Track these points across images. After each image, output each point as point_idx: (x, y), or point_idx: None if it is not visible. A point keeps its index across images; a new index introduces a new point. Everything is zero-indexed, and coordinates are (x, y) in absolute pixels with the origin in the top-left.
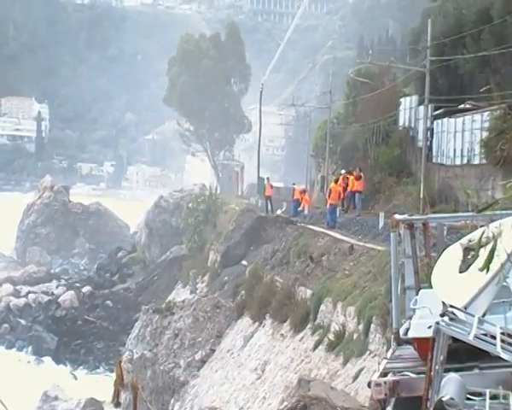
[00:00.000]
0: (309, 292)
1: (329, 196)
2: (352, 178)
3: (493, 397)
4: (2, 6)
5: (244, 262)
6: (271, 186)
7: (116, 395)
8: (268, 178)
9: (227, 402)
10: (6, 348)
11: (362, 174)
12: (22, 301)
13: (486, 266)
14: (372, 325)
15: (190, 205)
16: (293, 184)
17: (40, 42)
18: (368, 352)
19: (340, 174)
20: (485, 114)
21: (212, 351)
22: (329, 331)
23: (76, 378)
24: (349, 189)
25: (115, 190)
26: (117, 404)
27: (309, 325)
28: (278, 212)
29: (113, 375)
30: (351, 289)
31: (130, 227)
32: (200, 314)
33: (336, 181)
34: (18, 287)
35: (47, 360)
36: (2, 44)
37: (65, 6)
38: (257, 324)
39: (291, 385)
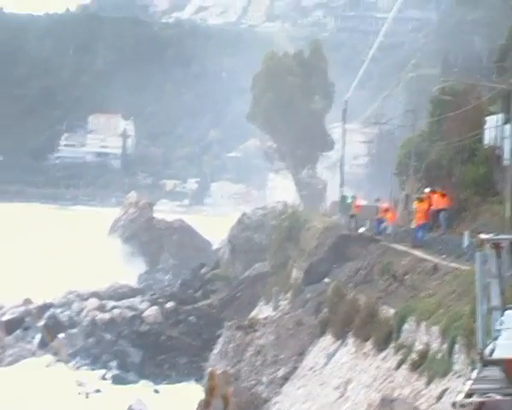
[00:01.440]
0: (392, 311)
1: (415, 216)
2: (436, 196)
3: None
4: (91, 25)
5: (327, 280)
6: (358, 204)
7: (207, 405)
8: (354, 196)
9: None
10: (91, 362)
11: (446, 192)
12: (107, 315)
13: None
14: (456, 345)
15: (273, 222)
16: (377, 200)
17: (127, 60)
18: (452, 372)
19: (424, 193)
20: None
21: (295, 368)
22: (413, 351)
23: (158, 392)
24: (433, 207)
25: (198, 207)
26: None
27: (392, 344)
28: (361, 230)
29: (197, 389)
30: (435, 308)
31: (214, 244)
32: (283, 331)
33: (421, 200)
34: (103, 302)
35: (126, 375)
36: (91, 62)
37: (151, 25)
38: (339, 341)
39: (374, 404)
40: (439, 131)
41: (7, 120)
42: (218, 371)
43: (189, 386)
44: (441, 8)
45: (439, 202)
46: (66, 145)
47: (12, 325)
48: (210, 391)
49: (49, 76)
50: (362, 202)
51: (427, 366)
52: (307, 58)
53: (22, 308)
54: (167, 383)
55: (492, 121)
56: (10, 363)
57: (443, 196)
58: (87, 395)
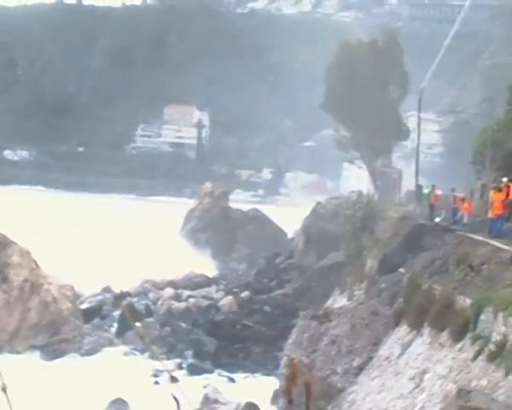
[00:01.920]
0: (468, 301)
1: (492, 206)
2: None
3: None
4: (166, 17)
5: (402, 270)
6: (437, 194)
7: (289, 392)
8: (434, 186)
9: None
10: (167, 351)
11: None
12: (183, 304)
13: None
14: None
15: (348, 212)
16: (453, 190)
17: (201, 51)
18: None
19: (501, 182)
20: None
21: (370, 358)
22: (490, 341)
23: (234, 381)
24: (511, 197)
25: (273, 197)
26: (289, 401)
27: (468, 335)
28: (437, 219)
29: (271, 379)
30: None
31: (288, 233)
32: (358, 321)
33: (498, 190)
34: (179, 291)
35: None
36: (166, 54)
37: (226, 15)
38: (415, 332)
39: (450, 395)
40: None
41: (84, 112)
42: (296, 358)
43: (263, 376)
44: None
45: None
46: (142, 136)
47: (90, 314)
48: (290, 379)
49: (126, 68)
50: (438, 191)
51: (505, 357)
52: (382, 47)
53: (100, 297)
54: (242, 373)
55: None
56: (88, 351)
57: None
58: (162, 383)
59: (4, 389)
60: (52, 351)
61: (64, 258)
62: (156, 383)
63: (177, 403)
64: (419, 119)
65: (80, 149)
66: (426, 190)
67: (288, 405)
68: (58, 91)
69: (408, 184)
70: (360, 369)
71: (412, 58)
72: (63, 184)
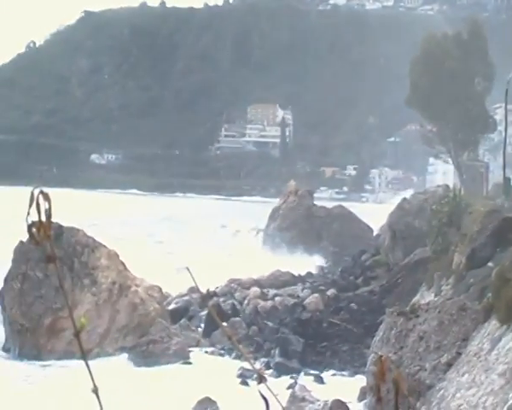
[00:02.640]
0: None
1: None
2: None
3: None
4: (247, 17)
5: (490, 264)
6: None
7: (377, 390)
8: None
9: (475, 407)
10: (254, 350)
11: None
12: (269, 303)
13: None
14: None
15: (434, 207)
16: None
17: (284, 50)
18: None
19: None
20: None
21: (459, 354)
22: None
23: (322, 381)
24: None
25: (358, 194)
26: (378, 399)
27: None
28: None
29: (359, 377)
30: None
31: (374, 230)
32: (446, 317)
33: None
34: (265, 290)
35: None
36: (248, 54)
37: (307, 13)
38: (505, 327)
39: None
40: None
41: (168, 114)
42: (384, 355)
43: (351, 373)
44: None
45: None
46: (226, 136)
47: (177, 315)
48: (379, 376)
49: (209, 68)
50: None
51: None
52: (467, 39)
53: (187, 297)
54: (329, 371)
55: None
56: (176, 352)
57: None
58: (250, 382)
59: (96, 391)
60: (140, 352)
61: (149, 259)
62: (244, 382)
63: (266, 402)
64: (506, 110)
65: (165, 151)
66: None
67: (376, 402)
68: (143, 95)
69: (495, 177)
70: (449, 365)
71: (498, 49)
72: (148, 187)
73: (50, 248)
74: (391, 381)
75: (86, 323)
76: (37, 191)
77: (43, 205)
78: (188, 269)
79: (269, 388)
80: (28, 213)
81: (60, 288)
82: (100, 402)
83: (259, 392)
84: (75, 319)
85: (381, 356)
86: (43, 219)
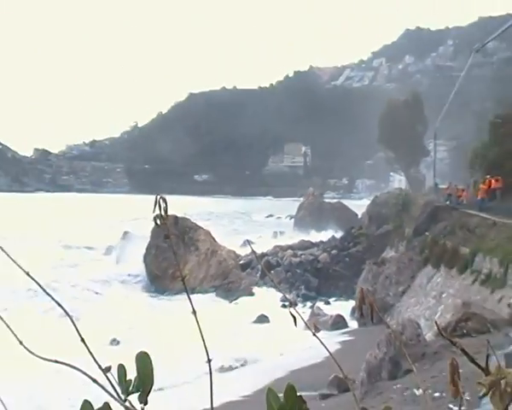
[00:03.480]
0: (468, 250)
1: (479, 192)
2: (493, 180)
3: None
4: (282, 94)
5: (427, 233)
6: (446, 187)
7: (359, 309)
8: (450, 183)
9: (418, 316)
10: (289, 287)
11: (499, 178)
12: (298, 259)
13: None
14: (509, 269)
15: (393, 201)
16: (456, 185)
17: (304, 113)
18: (507, 286)
19: (486, 178)
20: None
21: (409, 286)
22: (481, 273)
23: (329, 303)
24: (492, 186)
25: (349, 194)
26: (361, 315)
27: (468, 270)
28: (447, 203)
29: (351, 301)
30: (494, 247)
31: (358, 215)
32: (401, 265)
33: (484, 182)
34: (295, 251)
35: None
36: (283, 116)
37: (318, 90)
38: (435, 269)
39: (458, 306)
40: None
41: (240, 151)
42: (364, 288)
43: (346, 299)
44: None
45: (494, 184)
46: (271, 162)
47: (245, 267)
48: (360, 300)
49: (261, 126)
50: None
51: (490, 282)
52: (411, 103)
53: (250, 257)
54: (333, 297)
55: None
56: (244, 289)
57: (497, 180)
58: (286, 306)
59: (194, 313)
60: (223, 289)
61: (227, 235)
62: (283, 306)
63: (294, 318)
64: (435, 144)
65: (237, 172)
66: (440, 186)
67: (359, 316)
68: (222, 142)
69: (429, 183)
70: (403, 293)
71: (430, 106)
72: (227, 193)
73: (167, 230)
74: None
75: (189, 274)
76: (158, 197)
77: (162, 204)
78: (248, 241)
79: (296, 310)
80: (154, 210)
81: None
82: (197, 320)
83: (290, 311)
84: (183, 271)
85: (362, 288)
86: (162, 212)
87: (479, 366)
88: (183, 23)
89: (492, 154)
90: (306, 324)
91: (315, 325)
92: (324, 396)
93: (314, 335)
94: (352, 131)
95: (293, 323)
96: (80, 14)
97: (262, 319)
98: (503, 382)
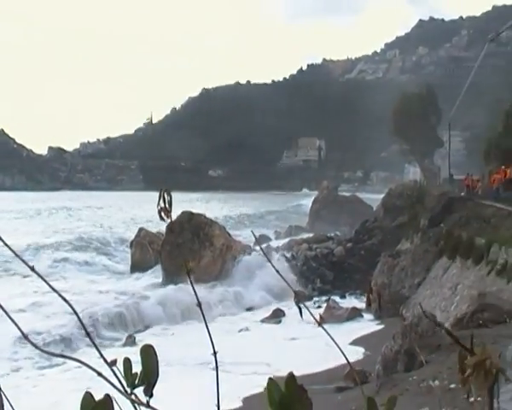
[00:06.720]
0: (483, 240)
1: (494, 182)
2: (508, 170)
3: None
4: (293, 88)
5: (442, 225)
6: (464, 179)
7: (368, 299)
8: (468, 174)
9: (434, 308)
10: (305, 281)
11: None
12: (313, 253)
13: None
14: None
15: (408, 192)
16: (471, 175)
17: (318, 107)
18: None
19: (501, 168)
20: None
21: (424, 278)
22: (497, 264)
23: (345, 297)
24: (507, 177)
25: (363, 187)
26: (368, 306)
27: (484, 261)
28: (462, 194)
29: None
30: (510, 237)
31: (373, 207)
32: (416, 256)
33: (498, 172)
34: (311, 245)
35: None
36: (298, 109)
37: (332, 83)
38: (451, 260)
39: (474, 297)
40: (508, 131)
41: (255, 145)
42: (377, 281)
43: (361, 293)
44: None
45: (509, 174)
46: (286, 157)
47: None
48: (369, 292)
49: (275, 120)
50: (460, 177)
51: (506, 272)
52: (424, 95)
53: (265, 250)
54: (349, 291)
55: None
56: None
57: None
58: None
59: (199, 305)
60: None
61: (240, 229)
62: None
63: (300, 309)
64: (449, 134)
65: (251, 167)
66: (456, 177)
67: (376, 308)
68: (236, 138)
69: (444, 174)
70: (419, 284)
71: (444, 97)
72: (241, 188)
73: (170, 222)
74: (376, 295)
75: (194, 267)
76: (162, 190)
77: (167, 198)
78: (252, 232)
79: (305, 305)
80: (158, 203)
81: (190, 249)
82: (202, 311)
83: (295, 303)
84: (198, 267)
85: (370, 281)
86: (167, 205)
87: (465, 348)
88: (196, 17)
89: (507, 143)
90: (312, 315)
91: (321, 316)
92: (340, 389)
93: (320, 326)
94: (366, 123)
95: (300, 314)
96: (92, 9)
97: (277, 313)
98: (487, 362)
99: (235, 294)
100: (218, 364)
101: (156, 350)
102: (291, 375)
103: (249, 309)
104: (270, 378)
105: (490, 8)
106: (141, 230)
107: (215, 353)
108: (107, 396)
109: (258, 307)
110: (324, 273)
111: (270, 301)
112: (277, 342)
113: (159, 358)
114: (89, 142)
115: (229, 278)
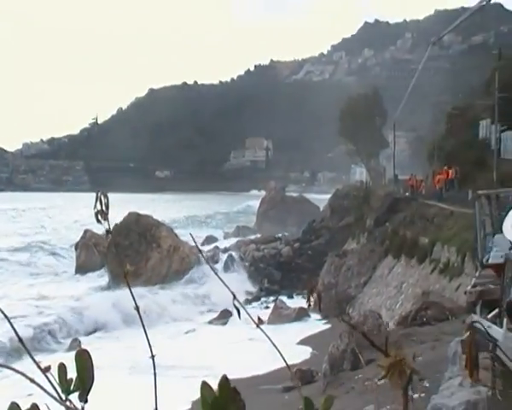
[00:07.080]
0: (426, 239)
1: (438, 183)
2: (450, 170)
3: None
4: (247, 88)
5: (387, 224)
6: (408, 179)
7: (308, 298)
8: (412, 174)
9: (380, 306)
10: (253, 281)
11: (456, 169)
12: (261, 253)
13: None
14: (466, 258)
15: (354, 193)
16: (415, 175)
17: (265, 107)
18: (463, 274)
19: (443, 169)
20: None
21: (370, 277)
22: (440, 262)
23: (292, 297)
24: (449, 177)
25: (310, 187)
26: (309, 305)
27: (427, 259)
28: (406, 194)
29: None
30: (452, 236)
31: (320, 208)
32: (362, 256)
33: (441, 173)
34: (258, 245)
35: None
36: (244, 111)
37: (279, 84)
38: (396, 260)
39: (418, 295)
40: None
41: (200, 146)
42: (318, 284)
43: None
44: None
45: (452, 174)
46: (233, 157)
47: (208, 260)
48: (310, 291)
49: (222, 120)
50: (405, 177)
51: (448, 271)
52: (370, 96)
53: (212, 252)
54: (296, 291)
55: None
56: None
57: (454, 171)
58: (249, 300)
59: (137, 309)
60: (186, 283)
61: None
62: (246, 301)
63: (238, 310)
64: (394, 135)
65: (198, 167)
66: (400, 177)
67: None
68: (185, 136)
69: (389, 174)
70: (365, 284)
71: (389, 99)
72: (189, 189)
73: (108, 225)
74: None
75: (131, 270)
76: (99, 192)
77: (104, 200)
78: (191, 235)
79: (243, 307)
80: (94, 206)
81: (137, 251)
82: (140, 315)
83: (233, 304)
84: (146, 268)
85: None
86: (104, 208)
87: (379, 349)
88: (142, 17)
89: (449, 144)
90: (251, 317)
91: (259, 317)
92: (287, 389)
93: (258, 327)
94: (313, 124)
95: (237, 315)
96: (38, 7)
97: (225, 314)
98: (402, 363)
99: (183, 295)
100: (163, 367)
101: (101, 354)
102: (224, 378)
103: (201, 312)
104: (203, 382)
105: (432, 12)
106: (86, 231)
107: (153, 356)
108: (35, 406)
109: (211, 309)
110: (272, 273)
111: (221, 302)
112: (222, 344)
113: (103, 362)
114: (31, 142)
115: (180, 280)
